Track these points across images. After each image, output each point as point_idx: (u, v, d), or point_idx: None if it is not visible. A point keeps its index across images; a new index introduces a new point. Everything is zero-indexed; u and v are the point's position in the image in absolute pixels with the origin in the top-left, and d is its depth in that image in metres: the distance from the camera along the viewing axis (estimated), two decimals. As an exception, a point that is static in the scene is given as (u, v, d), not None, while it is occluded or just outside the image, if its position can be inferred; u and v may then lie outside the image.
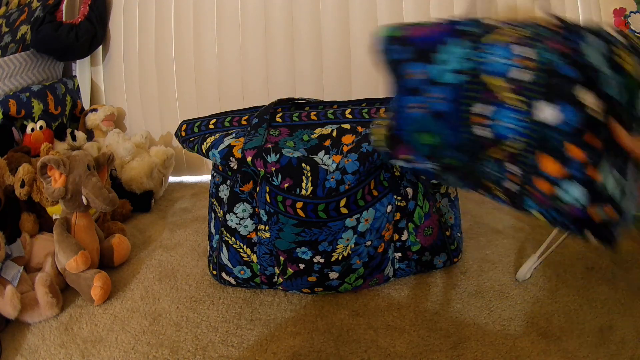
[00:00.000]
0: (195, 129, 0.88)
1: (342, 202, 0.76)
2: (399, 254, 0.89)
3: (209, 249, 0.94)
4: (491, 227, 1.11)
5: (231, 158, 0.80)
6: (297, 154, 0.78)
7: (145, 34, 1.55)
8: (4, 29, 1.51)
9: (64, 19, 1.45)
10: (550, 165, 0.43)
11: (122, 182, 1.33)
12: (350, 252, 0.80)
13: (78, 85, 1.56)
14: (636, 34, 1.27)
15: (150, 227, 1.22)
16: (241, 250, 0.85)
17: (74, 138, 1.36)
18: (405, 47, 0.53)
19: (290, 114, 0.87)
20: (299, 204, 0.76)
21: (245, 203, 0.83)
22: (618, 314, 0.79)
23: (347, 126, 0.83)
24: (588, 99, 0.42)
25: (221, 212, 0.88)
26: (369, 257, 0.82)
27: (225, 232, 0.85)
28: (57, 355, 0.76)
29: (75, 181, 0.92)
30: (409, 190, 0.83)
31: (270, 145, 0.78)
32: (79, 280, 0.89)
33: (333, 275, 0.82)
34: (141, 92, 1.59)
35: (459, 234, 0.96)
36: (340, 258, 0.80)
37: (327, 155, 0.78)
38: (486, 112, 0.46)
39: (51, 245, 0.95)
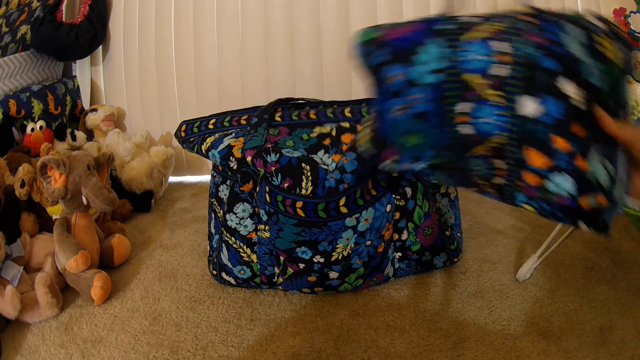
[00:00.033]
0: (195, 130, 0.88)
1: (342, 202, 0.76)
2: (399, 254, 0.89)
3: (209, 249, 0.94)
4: (491, 227, 1.11)
5: (231, 158, 0.80)
6: (296, 154, 0.77)
7: (145, 34, 1.55)
8: (4, 29, 1.51)
9: (64, 19, 1.45)
10: (537, 159, 0.43)
11: (122, 182, 1.33)
12: (350, 252, 0.80)
13: (78, 85, 1.56)
14: (636, 34, 1.27)
15: (150, 227, 1.22)
16: (241, 250, 0.85)
17: (74, 138, 1.36)
18: (383, 50, 0.53)
19: (289, 113, 0.87)
20: (299, 204, 0.76)
21: (245, 203, 0.83)
22: (618, 314, 0.79)
23: (347, 125, 0.82)
24: (570, 89, 0.42)
25: (221, 212, 0.88)
26: (368, 257, 0.82)
27: (225, 232, 0.85)
28: (57, 355, 0.76)
29: (75, 181, 0.92)
30: (408, 190, 0.83)
31: (269, 145, 0.78)
32: (79, 280, 0.89)
33: (333, 275, 0.82)
34: (141, 92, 1.59)
35: (459, 234, 0.96)
36: (340, 258, 0.80)
37: (327, 155, 0.78)
38: (469, 111, 0.46)
39: (51, 245, 0.95)
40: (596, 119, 0.41)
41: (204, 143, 0.83)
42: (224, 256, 0.87)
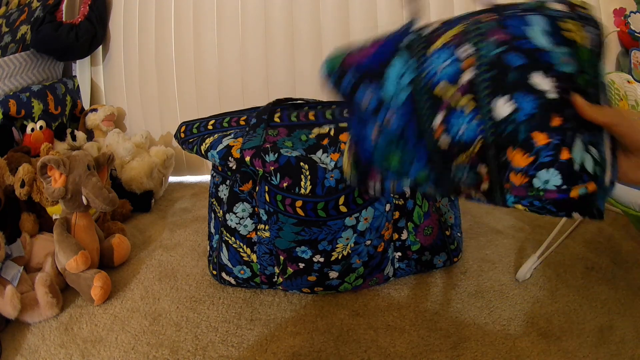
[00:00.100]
0: (194, 130, 0.88)
1: (341, 201, 0.76)
2: (399, 254, 0.88)
3: (209, 249, 0.94)
4: (491, 227, 1.11)
5: (230, 158, 0.80)
6: (295, 153, 0.77)
7: (145, 34, 1.55)
8: (4, 29, 1.51)
9: (64, 19, 1.46)
10: (520, 159, 0.42)
11: (122, 182, 1.33)
12: (350, 252, 0.80)
13: (78, 85, 1.56)
14: (636, 34, 1.27)
15: (150, 227, 1.22)
16: (241, 250, 0.85)
17: (74, 138, 1.36)
18: (351, 75, 0.53)
19: (288, 114, 0.87)
20: (299, 203, 0.76)
21: (244, 203, 0.83)
22: (618, 314, 0.79)
23: (345, 125, 0.83)
24: (543, 83, 0.41)
25: (221, 212, 0.88)
26: (368, 257, 0.82)
27: (225, 232, 0.85)
28: (57, 355, 0.76)
29: (75, 181, 0.92)
30: (407, 189, 0.84)
31: (268, 145, 0.78)
32: (79, 280, 0.89)
33: (333, 274, 0.82)
34: (141, 92, 1.59)
35: (459, 234, 0.96)
36: (340, 257, 0.80)
37: (325, 154, 0.78)
38: (445, 122, 0.46)
39: (51, 245, 0.95)
40: (575, 107, 0.41)
41: (203, 144, 0.83)
42: (224, 256, 0.87)
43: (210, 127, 0.88)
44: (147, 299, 0.90)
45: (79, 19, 1.46)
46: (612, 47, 1.41)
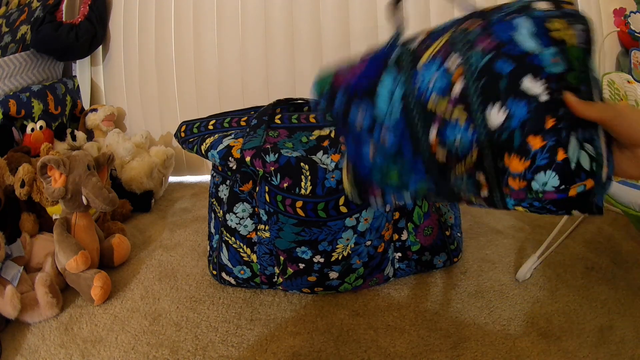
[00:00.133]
0: (195, 130, 0.88)
1: (341, 201, 0.76)
2: (399, 254, 0.88)
3: (209, 249, 0.94)
4: (491, 227, 1.11)
5: (230, 158, 0.80)
6: (295, 154, 0.77)
7: (145, 34, 1.55)
8: (4, 29, 1.51)
9: (64, 19, 1.46)
10: (517, 164, 0.42)
11: (122, 182, 1.33)
12: (350, 252, 0.80)
13: (78, 85, 1.56)
14: (636, 34, 1.27)
15: (150, 227, 1.22)
16: (241, 250, 0.85)
17: (74, 138, 1.36)
18: (342, 95, 0.52)
19: (289, 116, 0.87)
20: (299, 203, 0.76)
21: (245, 203, 0.83)
22: (618, 314, 0.79)
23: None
24: (534, 86, 0.41)
25: (221, 212, 0.88)
26: (368, 257, 0.82)
27: (225, 232, 0.85)
28: (57, 355, 0.76)
29: (75, 181, 0.92)
30: (408, 200, 0.83)
31: (269, 146, 0.78)
32: (79, 280, 0.89)
33: (333, 275, 0.82)
34: (141, 92, 1.59)
35: (458, 234, 0.96)
36: (340, 258, 0.80)
37: (326, 155, 0.78)
38: (441, 135, 0.46)
39: (51, 245, 0.95)
40: (567, 106, 0.41)
41: (204, 143, 0.83)
42: (224, 256, 0.87)
43: (210, 127, 0.88)
44: (147, 299, 0.90)
45: (79, 19, 1.46)
46: (612, 47, 1.41)
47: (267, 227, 0.81)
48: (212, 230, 0.92)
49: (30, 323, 0.83)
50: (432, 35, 0.48)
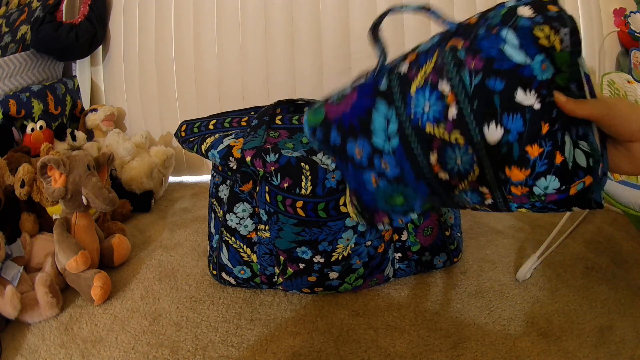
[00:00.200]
0: (195, 130, 0.88)
1: (342, 201, 0.76)
2: (399, 254, 0.89)
3: (209, 249, 0.94)
4: (491, 227, 1.11)
5: (230, 158, 0.80)
6: (296, 154, 0.77)
7: (145, 34, 1.55)
8: (4, 29, 1.51)
9: (64, 19, 1.46)
10: (518, 174, 0.43)
11: (122, 182, 1.33)
12: (350, 252, 0.80)
13: (78, 85, 1.56)
14: (636, 34, 1.27)
15: (150, 227, 1.22)
16: (241, 250, 0.85)
17: (74, 138, 1.36)
18: (336, 129, 0.52)
19: (290, 117, 0.87)
20: (299, 203, 0.76)
21: (245, 203, 0.83)
22: (618, 314, 0.79)
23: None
24: (527, 98, 0.41)
25: (221, 212, 0.88)
26: (369, 257, 0.82)
27: (225, 232, 0.85)
28: (57, 355, 0.76)
29: (75, 181, 0.92)
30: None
31: (269, 146, 0.78)
32: (79, 280, 0.89)
33: (333, 275, 0.82)
34: (141, 92, 1.59)
35: (458, 234, 0.96)
36: (340, 258, 0.80)
37: (326, 156, 0.78)
38: (442, 157, 0.46)
39: (51, 245, 0.95)
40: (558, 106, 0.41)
41: (204, 143, 0.83)
42: (224, 256, 0.87)
43: (211, 126, 0.88)
44: (147, 299, 0.90)
45: (79, 19, 1.46)
46: (612, 47, 1.41)
47: (267, 227, 0.81)
48: (212, 230, 0.92)
49: (30, 323, 0.83)
50: (421, 56, 0.48)
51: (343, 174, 0.55)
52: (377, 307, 0.84)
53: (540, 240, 1.00)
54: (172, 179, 1.57)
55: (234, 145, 0.80)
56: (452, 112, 0.44)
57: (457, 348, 0.73)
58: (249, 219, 0.83)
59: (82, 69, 1.60)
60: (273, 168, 0.76)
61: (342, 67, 1.44)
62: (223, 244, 0.87)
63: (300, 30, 1.45)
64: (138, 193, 1.33)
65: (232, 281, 0.89)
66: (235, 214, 0.83)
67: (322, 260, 0.80)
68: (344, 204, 0.77)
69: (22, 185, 0.99)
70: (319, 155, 0.79)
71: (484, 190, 0.46)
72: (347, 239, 0.79)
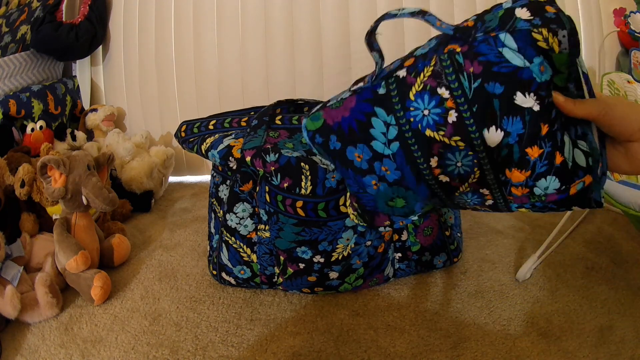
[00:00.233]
0: (195, 130, 0.88)
1: (342, 201, 0.76)
2: (399, 254, 0.89)
3: (209, 249, 0.94)
4: (491, 227, 1.11)
5: (230, 158, 0.80)
6: (296, 154, 0.77)
7: (145, 34, 1.55)
8: (4, 29, 1.51)
9: (64, 19, 1.46)
10: (518, 175, 0.43)
11: (122, 182, 1.33)
12: (350, 252, 0.80)
13: (78, 85, 1.56)
14: (636, 34, 1.27)
15: (150, 227, 1.22)
16: (241, 250, 0.85)
17: (74, 138, 1.36)
18: (336, 134, 0.52)
19: (290, 117, 0.87)
20: (299, 203, 0.76)
21: (245, 203, 0.83)
22: (618, 314, 0.79)
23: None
24: (526, 100, 0.41)
25: (221, 212, 0.88)
26: (369, 257, 0.82)
27: (225, 232, 0.85)
28: (57, 355, 0.76)
29: (75, 181, 0.92)
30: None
31: (269, 146, 0.78)
32: (79, 280, 0.89)
33: (333, 275, 0.82)
34: (141, 92, 1.59)
35: (458, 234, 0.96)
36: (340, 258, 0.80)
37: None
38: (442, 161, 0.46)
39: (51, 245, 0.95)
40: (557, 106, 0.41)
41: (204, 143, 0.83)
42: (224, 256, 0.87)
43: (211, 127, 0.88)
44: (147, 299, 0.90)
45: (79, 19, 1.46)
46: (612, 47, 1.41)
47: (267, 227, 0.81)
48: (212, 230, 0.92)
49: (30, 323, 0.83)
50: (419, 61, 0.48)
51: (343, 177, 0.55)
52: (377, 307, 0.84)
53: (540, 240, 1.00)
54: (172, 179, 1.57)
55: (234, 145, 0.80)
56: (452, 116, 0.44)
57: (457, 348, 0.73)
58: (249, 219, 0.83)
59: (82, 69, 1.60)
60: (273, 168, 0.76)
61: (342, 67, 1.44)
62: (223, 244, 0.87)
63: (300, 30, 1.45)
64: (138, 193, 1.33)
65: (232, 281, 0.89)
66: (235, 214, 0.83)
67: (322, 260, 0.80)
68: (344, 204, 0.77)
69: (22, 185, 0.99)
70: (319, 157, 0.79)
71: (485, 191, 0.46)
72: (347, 239, 0.79)
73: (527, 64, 0.41)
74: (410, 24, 1.40)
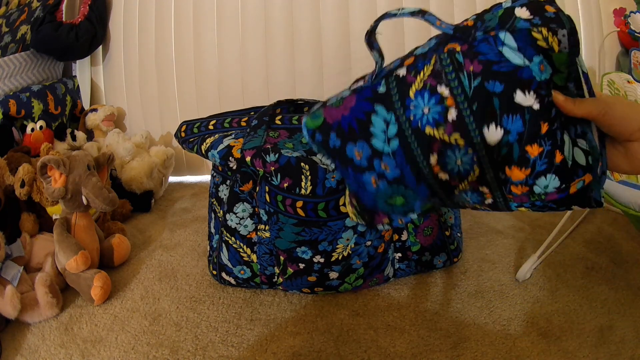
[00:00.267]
0: (195, 130, 0.88)
1: (342, 201, 0.76)
2: (399, 254, 0.89)
3: (209, 249, 0.94)
4: (491, 227, 1.11)
5: (230, 158, 0.80)
6: (296, 154, 0.77)
7: (145, 34, 1.55)
8: (4, 29, 1.51)
9: (64, 19, 1.46)
10: (518, 173, 0.43)
11: (122, 182, 1.33)
12: (350, 252, 0.80)
13: (78, 85, 1.56)
14: (636, 34, 1.27)
15: (150, 227, 1.22)
16: (241, 250, 0.85)
17: (74, 138, 1.36)
18: (336, 132, 0.52)
19: (289, 117, 0.87)
20: (299, 203, 0.76)
21: (245, 203, 0.83)
22: (618, 314, 0.79)
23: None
24: (526, 99, 0.41)
25: (221, 212, 0.88)
26: (369, 257, 0.82)
27: (225, 232, 0.85)
28: (57, 355, 0.76)
29: (75, 181, 0.92)
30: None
31: (269, 146, 0.78)
32: (79, 280, 0.89)
33: (333, 275, 0.82)
34: (141, 92, 1.59)
35: (458, 234, 0.96)
36: (340, 258, 0.80)
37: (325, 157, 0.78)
38: (442, 159, 0.46)
39: (51, 245, 0.95)
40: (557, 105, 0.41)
41: (204, 143, 0.83)
42: (224, 256, 0.87)
43: (211, 127, 0.88)
44: (147, 299, 0.90)
45: (79, 19, 1.46)
46: (612, 47, 1.41)
47: (267, 227, 0.81)
48: (212, 230, 0.92)
49: (30, 323, 0.83)
50: (418, 60, 0.48)
51: (343, 175, 0.55)
52: (377, 307, 0.84)
53: (540, 240, 1.00)
54: (172, 179, 1.57)
55: (234, 146, 0.80)
56: (452, 114, 0.44)
57: (457, 348, 0.73)
58: (249, 219, 0.83)
59: (82, 69, 1.60)
60: (273, 168, 0.76)
61: (342, 67, 1.44)
62: (223, 244, 0.87)
63: (300, 30, 1.45)
64: (138, 193, 1.33)
65: (232, 281, 0.89)
66: (235, 214, 0.83)
67: (322, 260, 0.80)
68: (344, 204, 0.77)
69: (22, 185, 0.99)
70: (319, 155, 0.79)
71: (484, 190, 0.46)
72: (347, 239, 0.79)
73: (527, 63, 0.41)
74: (410, 24, 1.40)
